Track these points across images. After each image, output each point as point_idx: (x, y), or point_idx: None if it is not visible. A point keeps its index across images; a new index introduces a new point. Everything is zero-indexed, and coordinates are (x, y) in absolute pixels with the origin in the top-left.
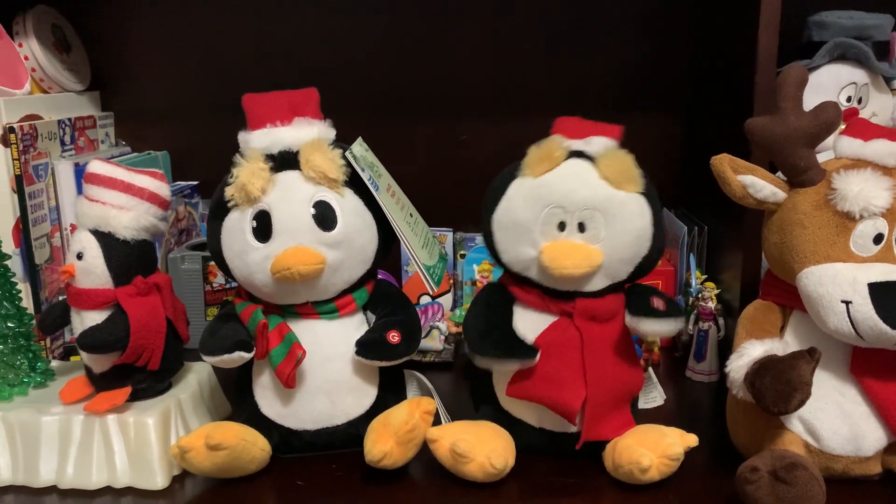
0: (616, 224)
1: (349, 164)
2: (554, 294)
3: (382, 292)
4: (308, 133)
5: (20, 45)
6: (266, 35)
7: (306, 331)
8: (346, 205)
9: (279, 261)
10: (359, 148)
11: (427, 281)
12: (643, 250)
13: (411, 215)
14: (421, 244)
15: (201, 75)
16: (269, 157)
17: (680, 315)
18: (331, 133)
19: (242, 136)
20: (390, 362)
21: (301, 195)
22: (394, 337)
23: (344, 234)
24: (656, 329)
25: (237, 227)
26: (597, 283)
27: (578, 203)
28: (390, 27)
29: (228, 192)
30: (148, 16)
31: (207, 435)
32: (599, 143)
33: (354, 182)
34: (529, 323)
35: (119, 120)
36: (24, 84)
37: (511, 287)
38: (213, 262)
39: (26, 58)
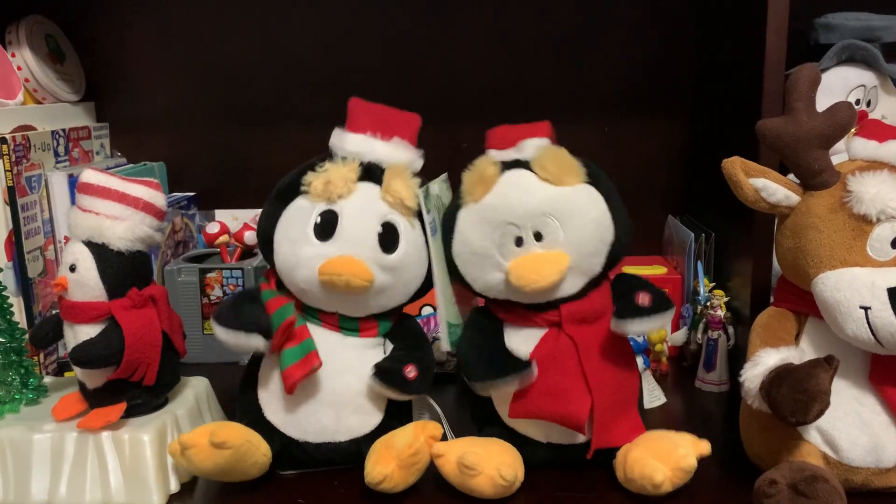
0: (571, 222)
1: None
2: (537, 307)
3: (405, 326)
4: (401, 155)
5: (13, 55)
6: (264, 44)
7: (323, 340)
8: (412, 235)
9: (332, 264)
10: (437, 186)
11: (444, 336)
12: (608, 237)
13: (448, 273)
14: (450, 301)
15: (198, 85)
16: (358, 164)
17: (668, 308)
18: (419, 163)
19: (338, 133)
20: (401, 394)
21: (375, 210)
22: (410, 372)
23: (400, 262)
24: (644, 328)
25: (301, 216)
26: (574, 285)
27: (526, 214)
28: (391, 33)
29: (310, 177)
30: (143, 25)
31: (212, 432)
32: (531, 146)
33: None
34: (521, 340)
35: (114, 130)
36: (17, 94)
37: (495, 310)
38: (210, 275)
39: (19, 68)
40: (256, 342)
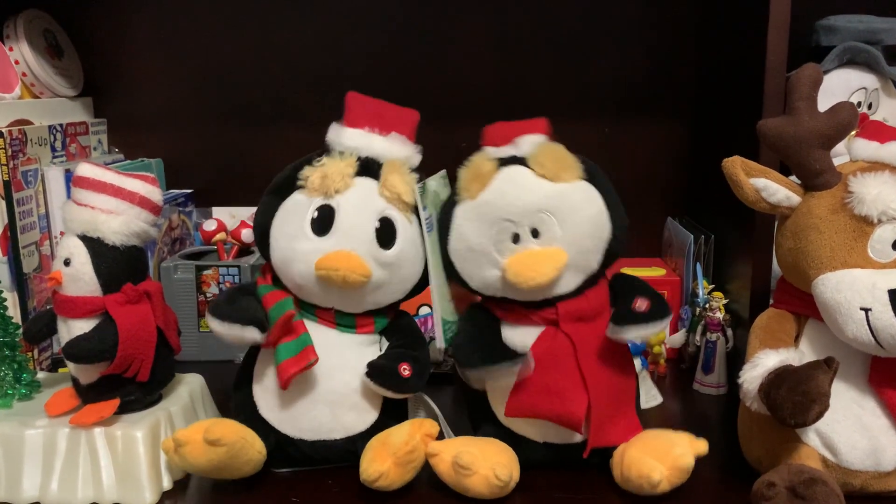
0: (568, 218)
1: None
2: (534, 305)
3: (401, 323)
4: (399, 150)
5: (10, 49)
6: (262, 42)
7: (319, 336)
8: (409, 231)
9: (329, 259)
10: (435, 183)
11: (439, 334)
12: (605, 234)
13: (443, 270)
14: (446, 298)
15: (196, 82)
16: (356, 159)
17: (666, 315)
18: (417, 159)
19: (336, 128)
20: (396, 393)
21: (372, 205)
22: (405, 370)
23: (397, 258)
24: (642, 335)
25: (298, 210)
26: (571, 282)
27: (524, 210)
28: (389, 32)
29: (307, 171)
30: (142, 22)
31: (207, 429)
32: (528, 142)
33: None
34: (517, 338)
35: (112, 126)
36: (14, 88)
37: (492, 308)
38: (206, 273)
39: (17, 62)
40: (252, 335)
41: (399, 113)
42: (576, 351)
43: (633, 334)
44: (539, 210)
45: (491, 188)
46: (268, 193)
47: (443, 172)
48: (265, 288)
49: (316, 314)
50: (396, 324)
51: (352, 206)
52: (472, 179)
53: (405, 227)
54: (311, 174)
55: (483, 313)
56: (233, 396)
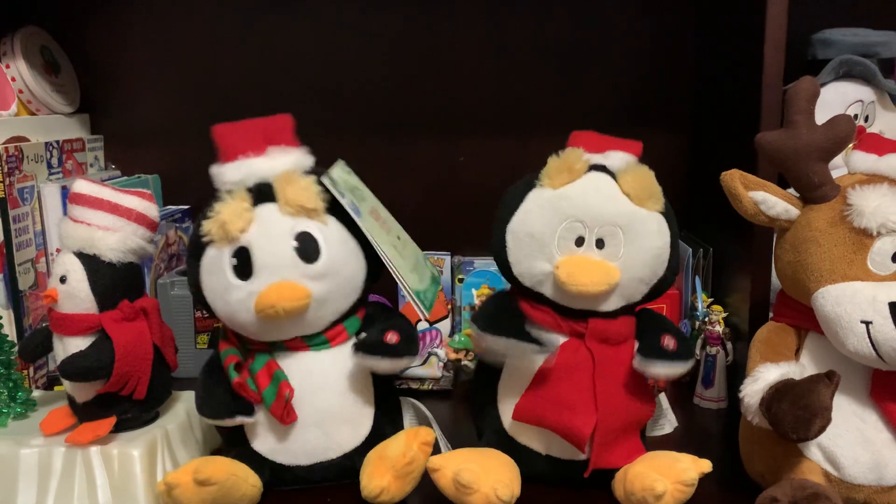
0: (636, 242)
1: (328, 190)
2: (566, 312)
3: (375, 313)
4: (283, 162)
5: (7, 66)
6: (260, 57)
7: (296, 363)
8: (330, 234)
9: (262, 298)
10: (338, 171)
11: (417, 306)
12: (659, 271)
13: (399, 238)
14: (410, 268)
15: (193, 98)
16: (246, 191)
17: (691, 355)
18: (307, 160)
19: (215, 170)
20: (390, 361)
21: (280, 229)
22: (392, 337)
23: (329, 266)
24: (668, 372)
25: (216, 264)
26: (611, 304)
27: (599, 218)
28: (388, 47)
29: (206, 226)
30: (138, 38)
31: (196, 470)
32: (619, 158)
33: (338, 208)
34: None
35: (109, 143)
36: (11, 105)
37: (521, 302)
38: None
39: (13, 79)
40: (243, 420)
41: (267, 124)
42: (595, 368)
43: (659, 370)
44: (614, 223)
45: (575, 185)
46: (186, 260)
47: (340, 161)
48: (224, 354)
49: (286, 346)
50: (369, 316)
51: (263, 238)
52: (562, 170)
53: (324, 232)
54: (211, 226)
55: (510, 301)
56: (224, 433)
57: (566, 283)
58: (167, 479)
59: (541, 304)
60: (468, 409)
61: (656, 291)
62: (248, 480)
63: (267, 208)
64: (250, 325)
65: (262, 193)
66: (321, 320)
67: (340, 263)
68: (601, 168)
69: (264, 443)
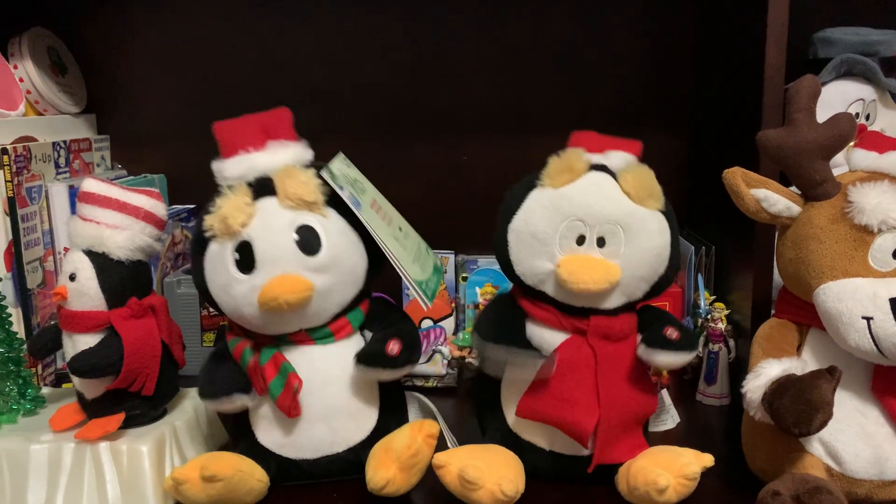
0: (636, 241)
1: (327, 183)
2: (568, 310)
3: (379, 310)
4: (282, 157)
5: (15, 67)
6: (264, 57)
7: (302, 358)
8: (331, 226)
9: (265, 291)
10: (338, 164)
11: (419, 296)
12: (660, 269)
13: (400, 229)
14: (411, 258)
15: (198, 98)
16: (248, 185)
17: (694, 346)
18: (307, 154)
19: (216, 166)
20: (392, 371)
21: (281, 222)
22: (393, 347)
23: (330, 258)
24: (671, 361)
25: (219, 259)
26: (613, 301)
27: (600, 217)
28: (391, 47)
29: (208, 221)
30: (145, 39)
31: (203, 466)
32: (619, 158)
33: (339, 201)
34: (542, 338)
35: (115, 143)
36: (19, 105)
37: (522, 301)
38: None
39: (21, 80)
40: (241, 401)
41: (266, 119)
42: (597, 365)
43: (663, 358)
44: (615, 222)
45: (576, 185)
46: (191, 256)
47: (339, 154)
48: (233, 342)
49: (290, 339)
50: (372, 312)
51: (264, 232)
52: (562, 170)
53: (325, 225)
54: (213, 221)
55: (510, 304)
56: (231, 428)
57: (567, 281)
58: (174, 476)
59: (543, 303)
60: (472, 405)
61: (657, 289)
62: (255, 475)
63: (268, 202)
64: (254, 318)
65: (263, 187)
66: (324, 312)
67: (342, 256)
68: (601, 168)
69: (270, 437)
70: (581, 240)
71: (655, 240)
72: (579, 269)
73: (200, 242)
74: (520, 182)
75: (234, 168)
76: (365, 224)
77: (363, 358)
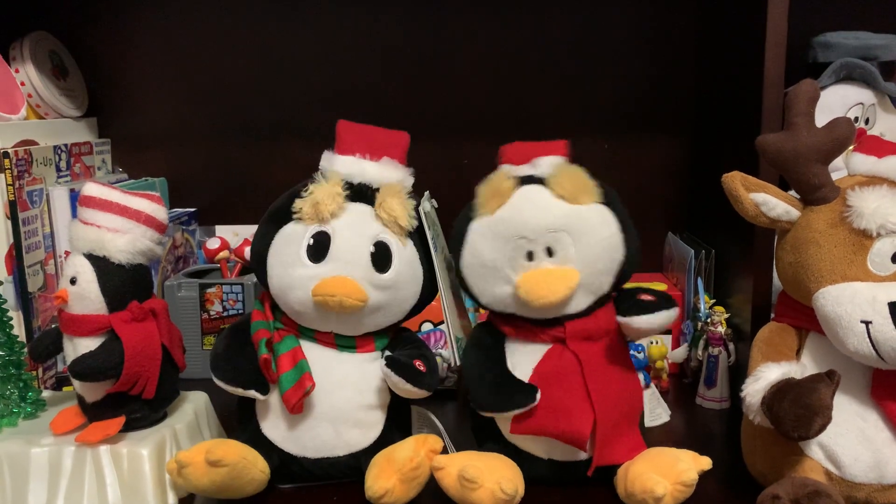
0: (583, 239)
1: (418, 218)
2: (542, 323)
3: (403, 337)
4: (392, 175)
5: (17, 71)
6: (265, 60)
7: (319, 357)
8: (404, 253)
9: (325, 285)
10: (428, 205)
11: (454, 352)
12: (618, 257)
13: (451, 286)
14: (458, 314)
15: (199, 102)
16: (348, 185)
17: (672, 305)
18: (409, 181)
19: (328, 156)
20: (413, 387)
21: (366, 230)
22: (420, 365)
23: (394, 281)
24: (651, 323)
25: (294, 238)
26: (581, 302)
27: (540, 229)
28: (393, 50)
29: (298, 204)
30: (146, 43)
31: (208, 450)
32: (546, 163)
33: (415, 234)
34: (523, 356)
35: (116, 146)
36: (20, 109)
37: (499, 325)
38: (210, 291)
39: (23, 83)
40: (254, 396)
41: (389, 137)
42: (582, 369)
43: (643, 322)
44: (555, 229)
45: (509, 205)
46: (264, 221)
47: (426, 194)
48: (256, 325)
49: (315, 337)
50: (398, 338)
51: (346, 232)
52: (491, 196)
53: (400, 251)
54: (303, 205)
55: (490, 337)
56: (236, 416)
57: (528, 299)
58: (179, 458)
59: (516, 321)
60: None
61: (623, 276)
62: (258, 466)
63: (360, 207)
64: (299, 304)
65: (362, 193)
66: (363, 327)
67: (403, 283)
68: (531, 179)
69: (275, 429)
70: (530, 255)
71: (602, 232)
72: (536, 284)
73: (282, 216)
74: (457, 218)
75: (344, 166)
76: (436, 267)
77: (392, 363)
